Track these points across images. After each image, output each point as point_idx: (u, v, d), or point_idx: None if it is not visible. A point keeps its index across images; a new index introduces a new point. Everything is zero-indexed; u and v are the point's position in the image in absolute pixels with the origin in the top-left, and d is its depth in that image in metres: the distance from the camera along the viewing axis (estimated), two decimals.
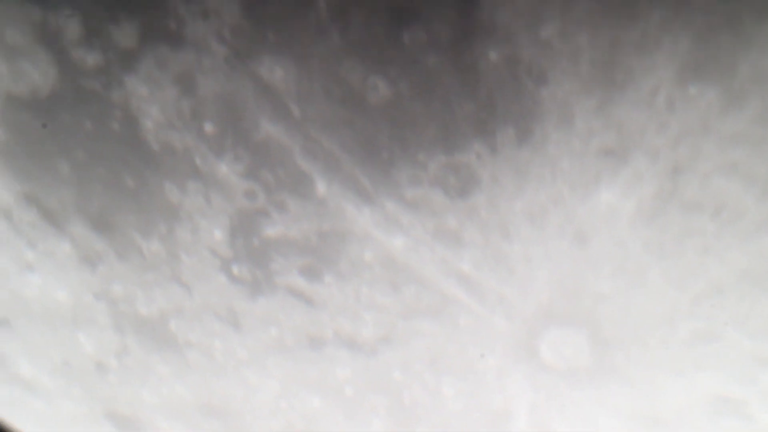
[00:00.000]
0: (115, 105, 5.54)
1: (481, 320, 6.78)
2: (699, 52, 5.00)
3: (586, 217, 5.99)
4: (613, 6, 4.87)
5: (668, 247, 6.10)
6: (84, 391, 7.56)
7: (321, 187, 5.94)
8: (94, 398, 7.62)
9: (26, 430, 7.93)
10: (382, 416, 7.70)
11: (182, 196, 6.03)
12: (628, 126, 5.42)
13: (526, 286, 6.52)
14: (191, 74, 5.37)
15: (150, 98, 5.49)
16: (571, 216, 5.99)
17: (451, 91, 5.32)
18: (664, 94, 5.23)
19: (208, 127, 5.64)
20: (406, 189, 5.87)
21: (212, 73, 5.32)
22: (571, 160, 5.63)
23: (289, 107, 5.50)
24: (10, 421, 7.78)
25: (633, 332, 6.81)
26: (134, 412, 7.74)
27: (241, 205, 6.09)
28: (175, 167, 5.86)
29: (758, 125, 5.28)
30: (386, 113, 5.45)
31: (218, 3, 5.00)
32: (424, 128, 5.51)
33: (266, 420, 7.86)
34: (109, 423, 7.85)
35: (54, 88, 5.44)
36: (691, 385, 7.06)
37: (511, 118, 5.40)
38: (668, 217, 5.91)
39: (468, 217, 6.00)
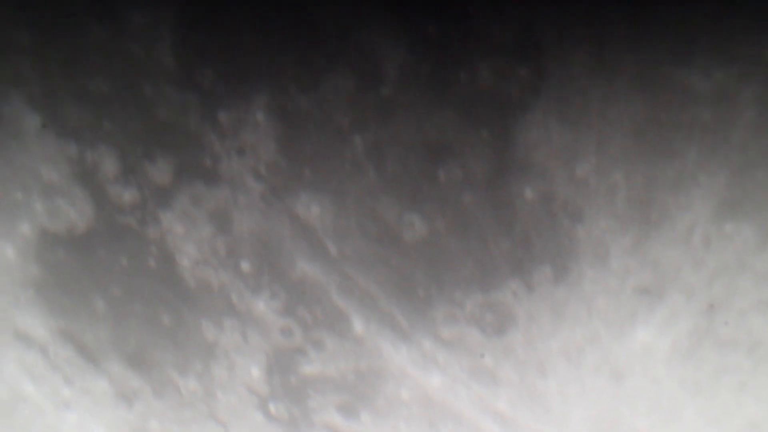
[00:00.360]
0: (151, 242, 5.18)
1: None
2: (735, 189, 4.58)
3: (621, 355, 5.42)
4: (649, 143, 4.49)
5: (704, 385, 5.48)
6: None
7: (358, 325, 5.45)
8: None
9: None
10: None
11: (219, 333, 5.56)
12: (663, 264, 4.94)
13: (562, 423, 5.85)
14: (227, 211, 5.01)
15: (186, 235, 5.13)
16: (607, 354, 5.42)
17: (487, 228, 4.89)
18: (700, 232, 4.77)
19: (245, 265, 5.24)
20: (443, 327, 5.36)
21: (248, 210, 4.96)
22: (607, 299, 5.13)
23: (325, 245, 5.10)
24: None
25: None
26: None
27: (278, 342, 5.59)
28: (211, 304, 5.43)
29: None
30: (422, 251, 5.03)
31: (254, 139, 4.68)
32: (461, 266, 5.07)
33: None
34: None
35: (90, 225, 5.10)
36: None
37: (547, 256, 4.97)
38: (704, 355, 5.33)
39: (504, 355, 5.45)
